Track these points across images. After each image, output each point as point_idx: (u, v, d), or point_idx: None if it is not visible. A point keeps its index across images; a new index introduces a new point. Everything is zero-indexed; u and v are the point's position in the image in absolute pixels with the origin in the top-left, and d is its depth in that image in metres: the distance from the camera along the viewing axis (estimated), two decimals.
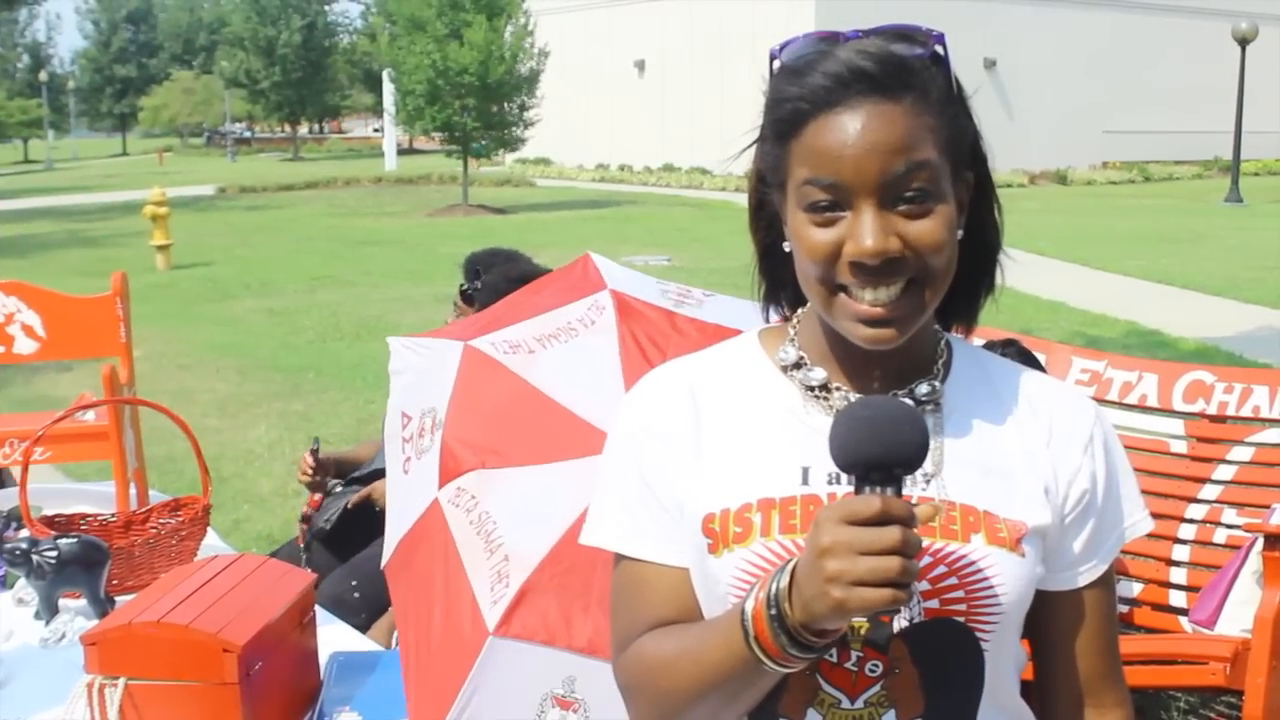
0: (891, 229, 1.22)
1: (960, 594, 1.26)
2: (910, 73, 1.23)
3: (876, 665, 1.27)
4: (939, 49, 1.26)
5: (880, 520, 1.11)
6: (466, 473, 2.25)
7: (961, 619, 1.27)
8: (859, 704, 1.27)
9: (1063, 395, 1.40)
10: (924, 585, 1.25)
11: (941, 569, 1.26)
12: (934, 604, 1.26)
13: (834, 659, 1.27)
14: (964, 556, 1.27)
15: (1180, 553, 3.80)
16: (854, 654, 1.27)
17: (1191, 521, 3.84)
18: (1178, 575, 3.78)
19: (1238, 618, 3.40)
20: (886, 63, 1.22)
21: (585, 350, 2.37)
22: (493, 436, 2.30)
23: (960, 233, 1.28)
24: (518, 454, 2.26)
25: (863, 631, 1.25)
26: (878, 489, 1.14)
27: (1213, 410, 3.98)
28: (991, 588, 1.27)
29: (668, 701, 1.30)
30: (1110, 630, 1.41)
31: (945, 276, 1.27)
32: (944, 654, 1.27)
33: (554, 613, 2.07)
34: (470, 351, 2.43)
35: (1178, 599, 3.74)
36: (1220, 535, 3.79)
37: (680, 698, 1.28)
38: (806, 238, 1.25)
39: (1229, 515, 3.80)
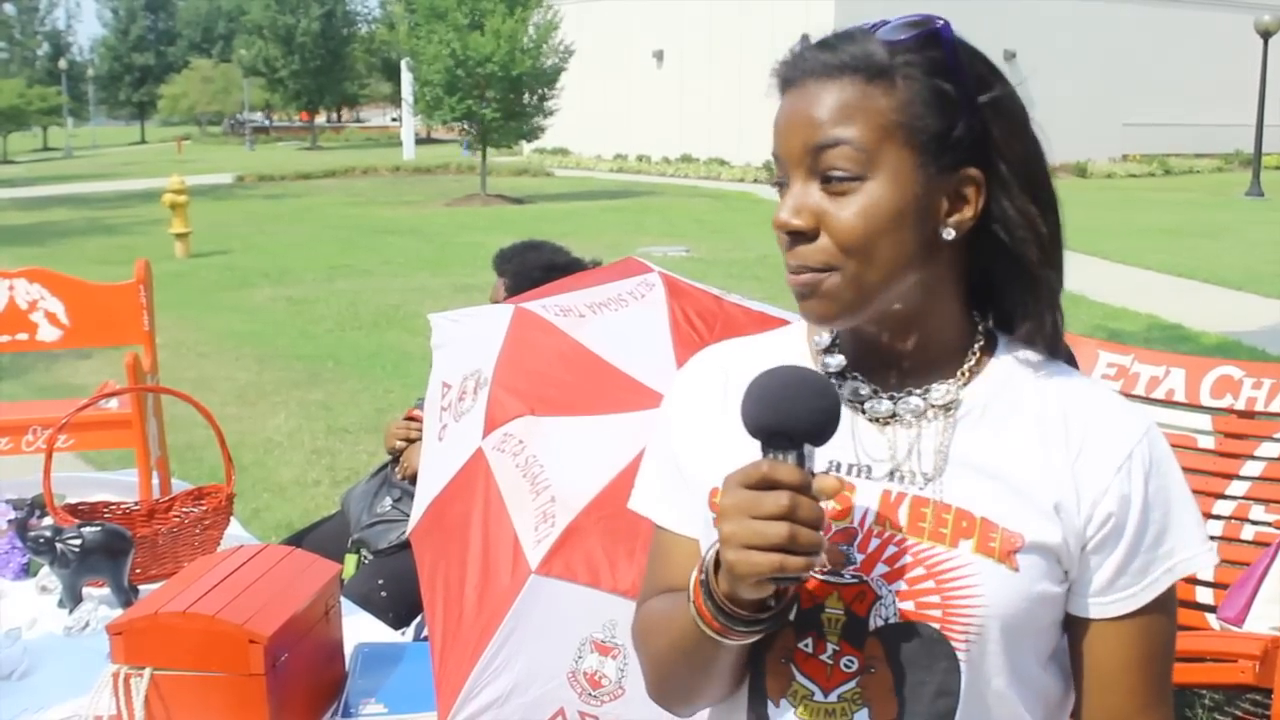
0: (809, 204, 1.23)
1: (935, 599, 1.23)
2: (863, 54, 1.21)
3: (852, 660, 1.25)
4: (933, 34, 1.22)
5: (766, 484, 1.12)
6: (514, 419, 2.25)
7: (936, 625, 1.23)
8: (832, 698, 1.26)
9: (1108, 411, 1.30)
10: (901, 585, 1.23)
11: (919, 571, 1.23)
12: (909, 606, 1.23)
13: (809, 649, 1.26)
14: (944, 561, 1.23)
15: None
16: (830, 646, 1.25)
17: (1219, 518, 3.80)
18: (1205, 572, 3.74)
19: (1266, 615, 3.37)
20: (837, 43, 1.24)
21: (636, 319, 2.41)
22: (542, 387, 2.31)
23: (952, 232, 1.24)
24: (567, 404, 2.27)
25: (840, 624, 1.25)
26: (779, 456, 1.14)
27: (1241, 406, 3.94)
28: (969, 597, 1.22)
29: (654, 665, 1.35)
30: (1151, 668, 1.30)
31: (866, 261, 1.22)
32: (918, 660, 1.24)
33: (599, 554, 2.06)
34: (521, 312, 2.46)
35: (1205, 596, 3.71)
36: (1248, 532, 3.76)
37: (662, 661, 1.33)
38: None
39: (1257, 511, 3.77)
